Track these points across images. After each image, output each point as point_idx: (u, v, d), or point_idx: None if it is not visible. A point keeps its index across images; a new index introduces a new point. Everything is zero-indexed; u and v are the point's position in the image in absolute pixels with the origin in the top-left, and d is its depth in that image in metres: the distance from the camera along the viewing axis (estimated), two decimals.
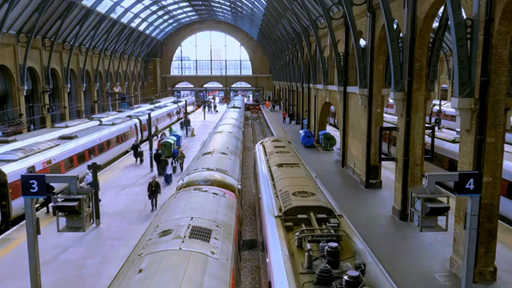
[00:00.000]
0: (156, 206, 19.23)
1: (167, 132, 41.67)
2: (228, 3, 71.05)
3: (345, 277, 6.17)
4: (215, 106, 75.73)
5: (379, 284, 6.53)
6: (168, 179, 24.37)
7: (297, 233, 8.45)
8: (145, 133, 38.36)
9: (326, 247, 7.19)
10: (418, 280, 12.80)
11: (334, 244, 7.18)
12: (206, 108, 66.04)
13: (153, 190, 19.43)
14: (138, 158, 30.54)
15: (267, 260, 8.42)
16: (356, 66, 22.98)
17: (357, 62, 22.63)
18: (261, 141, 21.46)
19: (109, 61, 63.00)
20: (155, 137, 37.59)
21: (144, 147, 34.62)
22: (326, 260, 6.99)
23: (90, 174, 20.53)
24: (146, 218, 18.32)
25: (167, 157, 29.13)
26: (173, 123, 52.96)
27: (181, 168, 26.94)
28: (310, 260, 7.24)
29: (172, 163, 27.54)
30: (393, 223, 18.01)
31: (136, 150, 31.02)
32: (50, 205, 19.05)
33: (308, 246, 7.60)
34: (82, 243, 15.78)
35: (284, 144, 19.46)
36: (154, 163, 27.65)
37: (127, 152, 35.07)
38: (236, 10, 73.61)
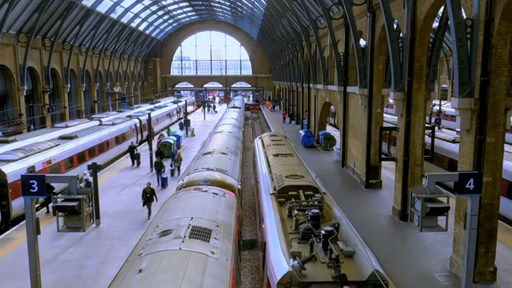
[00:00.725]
0: (150, 214, 18.30)
1: (165, 133, 40.95)
2: (228, 3, 71.05)
3: (322, 232, 7.80)
4: (214, 107, 74.01)
5: (349, 238, 8.30)
6: (164, 183, 23.56)
7: (288, 204, 10.33)
8: (145, 133, 38.30)
9: (310, 213, 8.97)
10: (418, 280, 12.80)
11: (316, 210, 9.05)
12: (206, 108, 65.39)
13: (148, 197, 18.33)
14: (135, 161, 29.16)
15: (263, 226, 10.24)
16: (356, 66, 22.98)
17: (357, 62, 22.63)
18: (259, 136, 23.75)
19: (109, 61, 63.00)
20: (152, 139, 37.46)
21: (141, 149, 34.59)
22: (309, 223, 8.70)
23: (87, 174, 20.53)
24: (145, 218, 18.32)
25: (164, 157, 28.89)
26: (172, 123, 52.97)
27: (178, 172, 25.96)
28: (297, 223, 9.04)
29: (171, 165, 26.81)
30: (393, 223, 18.01)
31: (132, 152, 29.65)
32: (50, 205, 19.05)
33: (296, 212, 9.55)
34: (82, 243, 15.79)
35: (280, 138, 21.50)
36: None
37: (126, 153, 35.06)
38: (236, 10, 73.61)
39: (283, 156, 16.32)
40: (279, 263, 7.41)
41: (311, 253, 7.54)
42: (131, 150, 30.03)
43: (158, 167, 24.06)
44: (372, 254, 7.65)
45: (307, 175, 13.12)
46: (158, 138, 35.71)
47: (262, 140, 21.52)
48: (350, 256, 7.58)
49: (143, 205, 18.47)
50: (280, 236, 8.48)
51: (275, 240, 8.48)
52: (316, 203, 10.30)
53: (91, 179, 19.72)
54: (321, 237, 7.75)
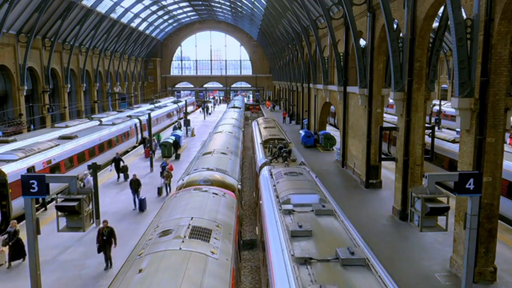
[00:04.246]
0: (110, 263, 13.86)
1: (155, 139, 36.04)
2: (228, 3, 71.02)
3: (282, 151, 16.63)
4: (207, 108, 65.41)
5: (296, 155, 17.32)
6: (142, 206, 19.66)
7: (268, 145, 19.43)
8: (146, 133, 38.18)
9: (278, 146, 17.34)
10: (418, 280, 12.81)
11: (281, 146, 17.42)
12: (205, 109, 62.90)
13: (105, 240, 13.67)
14: (122, 174, 25.09)
15: (255, 156, 20.29)
16: (356, 66, 22.98)
17: (357, 62, 22.63)
18: (256, 120, 34.13)
19: (109, 61, 62.98)
20: (141, 146, 36.91)
21: (137, 151, 34.45)
22: (277, 150, 16.96)
23: (88, 175, 20.49)
24: (146, 218, 18.30)
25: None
26: (172, 123, 52.91)
27: (167, 190, 22.22)
28: (271, 152, 17.80)
29: (161, 174, 23.58)
30: (393, 223, 18.01)
31: (118, 164, 25.55)
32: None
33: (270, 146, 18.86)
34: (82, 243, 15.79)
35: (270, 120, 32.24)
36: (155, 162, 27.57)
37: (127, 152, 35.03)
38: (236, 10, 73.59)
39: (270, 128, 26.14)
40: (261, 160, 16.79)
41: (274, 157, 16.34)
42: (116, 162, 25.68)
43: (135, 186, 20.19)
44: (304, 158, 17.41)
45: (282, 134, 23.57)
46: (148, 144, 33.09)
47: (257, 121, 31.86)
48: (294, 161, 16.28)
49: (98, 252, 13.85)
50: (263, 158, 16.94)
51: (260, 156, 17.86)
52: (282, 143, 18.74)
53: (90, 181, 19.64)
54: (282, 154, 16.24)
